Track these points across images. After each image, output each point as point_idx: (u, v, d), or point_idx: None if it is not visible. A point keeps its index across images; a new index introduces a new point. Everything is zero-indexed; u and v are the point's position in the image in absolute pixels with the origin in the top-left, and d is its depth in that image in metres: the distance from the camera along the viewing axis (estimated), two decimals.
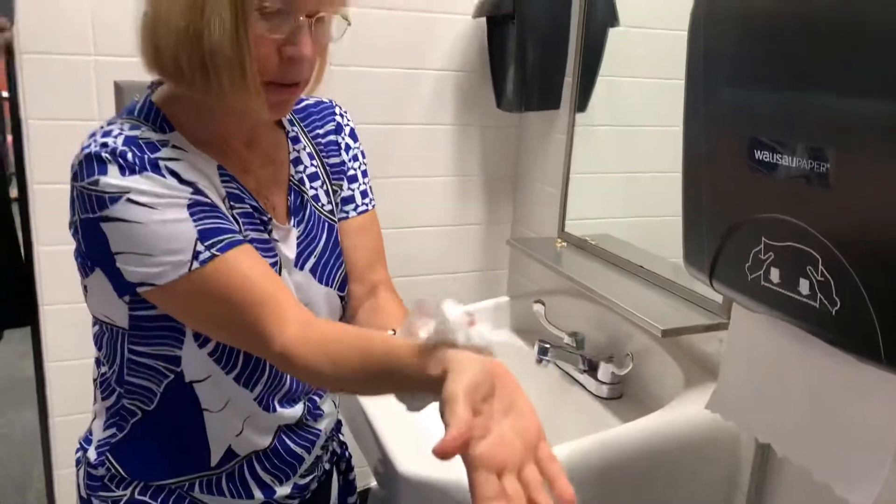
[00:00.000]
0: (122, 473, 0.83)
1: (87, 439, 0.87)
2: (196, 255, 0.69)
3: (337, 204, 0.90)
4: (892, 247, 0.56)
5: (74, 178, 0.70)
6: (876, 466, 0.66)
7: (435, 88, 1.60)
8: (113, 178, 0.68)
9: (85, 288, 0.78)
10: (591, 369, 1.21)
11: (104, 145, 0.69)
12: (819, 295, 0.63)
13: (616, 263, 1.30)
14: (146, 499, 0.82)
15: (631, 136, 1.42)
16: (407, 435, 1.00)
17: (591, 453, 0.94)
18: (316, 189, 0.88)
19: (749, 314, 0.77)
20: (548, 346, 1.21)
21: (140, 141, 0.71)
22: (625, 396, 1.20)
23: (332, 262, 0.87)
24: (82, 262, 0.76)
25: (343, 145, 0.92)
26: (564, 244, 1.46)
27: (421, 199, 1.66)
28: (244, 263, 0.72)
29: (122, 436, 0.83)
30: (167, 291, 0.70)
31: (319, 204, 0.88)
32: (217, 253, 0.70)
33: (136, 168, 0.69)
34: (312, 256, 0.85)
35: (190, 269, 0.69)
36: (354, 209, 0.92)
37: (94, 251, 0.71)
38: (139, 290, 0.71)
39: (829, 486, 0.71)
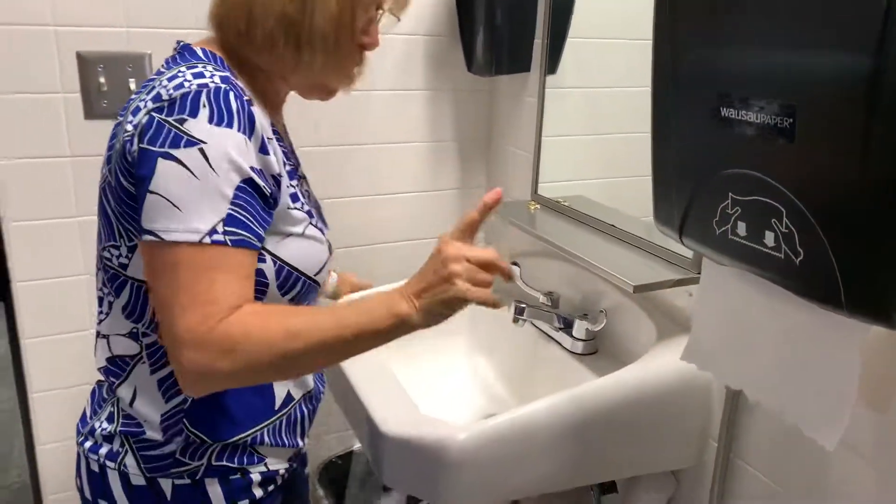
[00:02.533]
0: (203, 438, 0.81)
1: (133, 422, 0.82)
2: (211, 232, 0.69)
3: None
4: (851, 198, 0.58)
5: (160, 109, 0.70)
6: (840, 407, 0.69)
7: (405, 53, 1.59)
8: (200, 124, 0.69)
9: (130, 249, 0.77)
10: (567, 327, 1.23)
11: (203, 85, 0.71)
12: (783, 246, 0.66)
13: (589, 224, 1.32)
14: (224, 463, 0.82)
15: (601, 98, 1.43)
16: (388, 397, 1.02)
17: (569, 408, 0.97)
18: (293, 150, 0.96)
19: (718, 268, 0.79)
20: (524, 305, 1.24)
21: (236, 84, 0.74)
22: (599, 352, 1.23)
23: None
24: (128, 220, 0.75)
25: None
26: (538, 206, 1.47)
27: (394, 166, 1.66)
28: (240, 265, 0.71)
29: (194, 399, 0.81)
30: (164, 249, 0.70)
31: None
32: (227, 241, 0.70)
33: (226, 118, 0.70)
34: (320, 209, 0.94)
35: (199, 241, 0.69)
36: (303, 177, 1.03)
37: (139, 181, 0.71)
38: (145, 237, 0.70)
39: (796, 430, 0.74)
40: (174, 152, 0.68)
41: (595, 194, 1.41)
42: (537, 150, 1.49)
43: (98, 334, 0.86)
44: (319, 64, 0.78)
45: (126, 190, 0.73)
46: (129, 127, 0.72)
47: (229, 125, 0.70)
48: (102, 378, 0.86)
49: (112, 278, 0.80)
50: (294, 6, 0.75)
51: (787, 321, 0.72)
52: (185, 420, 0.81)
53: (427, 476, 0.94)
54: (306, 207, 0.83)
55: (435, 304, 0.74)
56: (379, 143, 1.63)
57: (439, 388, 1.32)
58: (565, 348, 1.24)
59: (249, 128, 0.72)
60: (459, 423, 0.93)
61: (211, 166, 0.69)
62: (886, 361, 0.80)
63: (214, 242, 0.69)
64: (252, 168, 0.72)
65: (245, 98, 0.73)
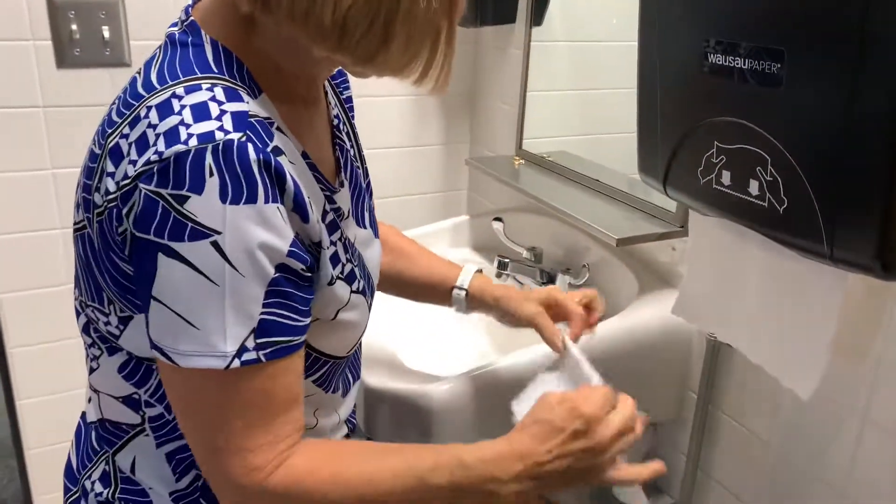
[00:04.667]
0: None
1: (137, 489, 0.67)
2: (241, 351, 0.53)
3: (358, 144, 0.78)
4: (836, 145, 0.58)
5: (148, 177, 0.50)
6: (817, 358, 0.70)
7: None
8: (209, 203, 0.49)
9: (122, 321, 0.59)
10: (549, 281, 1.23)
11: (208, 137, 0.50)
12: (768, 195, 0.65)
13: (573, 179, 1.31)
14: None
15: (588, 51, 1.41)
16: (372, 351, 1.02)
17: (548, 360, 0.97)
18: (342, 132, 0.72)
19: (706, 219, 0.79)
20: (507, 260, 1.23)
21: (253, 121, 0.53)
22: None
23: (372, 208, 0.76)
24: (120, 293, 0.57)
25: (347, 75, 0.79)
26: (522, 162, 1.46)
27: (378, 121, 1.63)
28: (278, 379, 0.57)
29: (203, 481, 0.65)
30: (178, 373, 0.55)
31: (349, 147, 0.73)
32: (262, 358, 0.54)
33: (245, 189, 0.50)
34: (366, 211, 0.74)
35: (227, 367, 0.53)
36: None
37: (136, 278, 0.54)
38: (156, 354, 0.55)
39: (775, 382, 0.75)
40: (178, 248, 0.50)
41: (580, 150, 1.40)
42: (522, 105, 1.47)
43: (90, 373, 0.69)
44: (410, 55, 0.56)
45: (117, 266, 0.56)
46: (110, 184, 0.53)
47: (251, 199, 0.50)
48: (89, 420, 0.71)
49: (103, 338, 0.63)
50: None
51: (770, 271, 0.72)
52: (202, 500, 0.66)
53: (411, 428, 0.94)
54: (347, 269, 0.65)
55: (554, 481, 0.62)
56: (361, 97, 1.59)
57: (425, 343, 1.32)
58: None
59: (280, 188, 0.53)
60: (442, 375, 0.93)
61: (231, 263, 0.51)
62: (863, 312, 0.81)
63: (245, 364, 0.53)
64: (290, 249, 0.54)
65: (269, 146, 0.53)
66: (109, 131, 0.55)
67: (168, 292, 0.52)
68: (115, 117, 0.56)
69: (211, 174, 0.49)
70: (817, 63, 0.58)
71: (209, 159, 0.49)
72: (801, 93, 0.60)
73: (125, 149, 0.52)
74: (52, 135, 1.33)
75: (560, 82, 1.45)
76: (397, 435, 0.97)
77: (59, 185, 1.36)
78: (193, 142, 0.50)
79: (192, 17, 0.58)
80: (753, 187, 0.67)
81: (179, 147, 0.50)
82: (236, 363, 0.53)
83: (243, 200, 0.50)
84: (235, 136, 0.51)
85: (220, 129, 0.51)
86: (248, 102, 0.54)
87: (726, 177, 0.69)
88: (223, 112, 0.52)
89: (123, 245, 0.53)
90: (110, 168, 0.53)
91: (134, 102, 0.54)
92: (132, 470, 0.66)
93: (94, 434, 0.69)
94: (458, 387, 0.92)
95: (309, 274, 0.57)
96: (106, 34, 1.31)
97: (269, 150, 0.52)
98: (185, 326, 0.52)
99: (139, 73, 0.57)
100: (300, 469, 0.58)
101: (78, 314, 0.65)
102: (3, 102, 1.28)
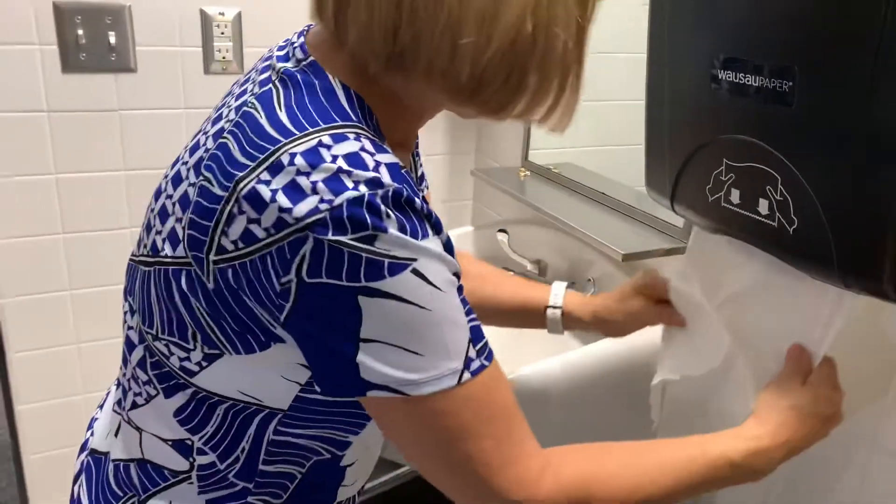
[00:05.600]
0: None
1: None
2: (467, 362, 0.53)
3: (417, 180, 0.76)
4: (849, 166, 0.57)
5: (321, 227, 0.48)
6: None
7: None
8: (395, 237, 0.49)
9: (208, 358, 0.57)
10: None
11: (373, 183, 0.49)
12: (777, 214, 0.64)
13: (579, 191, 1.30)
14: None
15: (595, 63, 1.39)
16: None
17: (554, 374, 0.96)
18: (410, 176, 0.75)
19: (707, 236, 0.78)
20: (511, 272, 1.22)
21: (404, 173, 0.52)
22: None
23: None
24: (226, 332, 0.55)
25: None
26: (528, 173, 1.45)
27: None
28: (501, 382, 0.56)
29: None
30: (410, 404, 0.53)
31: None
32: (485, 362, 0.54)
33: (419, 229, 0.50)
34: None
35: (459, 381, 0.52)
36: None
37: (319, 328, 0.52)
38: (372, 393, 0.52)
39: None
40: (380, 286, 0.49)
41: (586, 162, 1.39)
42: None
43: (119, 409, 0.67)
44: (537, 100, 0.55)
45: (251, 311, 0.53)
46: (258, 231, 0.50)
47: (424, 233, 0.51)
48: (116, 457, 0.66)
49: (163, 376, 0.60)
50: (528, 29, 0.51)
51: (773, 291, 0.71)
52: None
53: None
54: None
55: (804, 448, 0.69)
56: None
57: None
58: None
59: (439, 224, 0.54)
60: None
61: (434, 285, 0.51)
62: (879, 340, 0.79)
63: (475, 373, 0.53)
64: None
65: (421, 195, 0.53)
66: (239, 174, 0.51)
67: (381, 330, 0.50)
68: (241, 158, 0.51)
69: (388, 216, 0.49)
70: (829, 82, 0.57)
71: (381, 204, 0.49)
72: (813, 112, 0.59)
73: (267, 195, 0.49)
74: (56, 140, 1.33)
75: None
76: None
77: (63, 190, 1.36)
78: (363, 188, 0.48)
79: (311, 57, 0.56)
80: (763, 206, 0.65)
81: (350, 193, 0.48)
82: (467, 375, 0.53)
83: (420, 234, 0.50)
84: (398, 186, 0.50)
85: (382, 178, 0.50)
86: (391, 154, 0.52)
87: (735, 195, 0.68)
88: (378, 164, 0.50)
89: (287, 294, 0.51)
90: (252, 214, 0.50)
91: (266, 145, 0.51)
92: None
93: (112, 472, 0.66)
94: None
95: None
96: (112, 39, 1.31)
97: (423, 203, 0.52)
98: (408, 356, 0.51)
99: (255, 108, 0.54)
100: (576, 472, 0.59)
101: (132, 347, 0.62)
102: (8, 107, 1.28)
